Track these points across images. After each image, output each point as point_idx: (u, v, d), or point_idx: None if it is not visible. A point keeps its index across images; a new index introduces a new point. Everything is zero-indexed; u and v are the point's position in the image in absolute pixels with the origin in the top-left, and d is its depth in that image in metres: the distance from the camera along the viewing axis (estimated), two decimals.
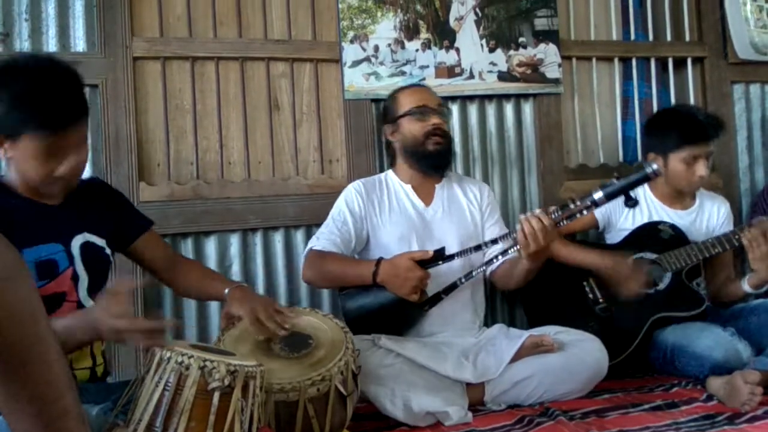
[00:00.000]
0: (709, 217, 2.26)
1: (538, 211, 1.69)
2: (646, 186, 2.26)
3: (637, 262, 2.03)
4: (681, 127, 2.14)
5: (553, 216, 1.68)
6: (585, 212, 1.67)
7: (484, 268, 1.88)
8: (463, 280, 1.86)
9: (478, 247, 1.87)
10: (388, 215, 2.01)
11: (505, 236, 1.81)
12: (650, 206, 2.24)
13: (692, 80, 2.80)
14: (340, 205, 2.02)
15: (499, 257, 1.85)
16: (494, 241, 1.85)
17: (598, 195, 1.63)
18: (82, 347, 1.39)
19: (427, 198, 2.06)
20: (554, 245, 2.04)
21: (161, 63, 2.21)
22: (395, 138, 2.06)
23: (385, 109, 2.14)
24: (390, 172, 2.13)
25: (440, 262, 1.81)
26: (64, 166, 1.33)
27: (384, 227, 2.00)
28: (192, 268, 1.74)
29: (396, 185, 2.08)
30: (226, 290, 1.58)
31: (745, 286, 2.05)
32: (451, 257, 1.83)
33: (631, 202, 1.66)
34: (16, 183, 1.39)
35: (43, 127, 1.27)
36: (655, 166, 1.58)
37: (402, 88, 2.13)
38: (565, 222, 1.69)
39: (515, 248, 1.75)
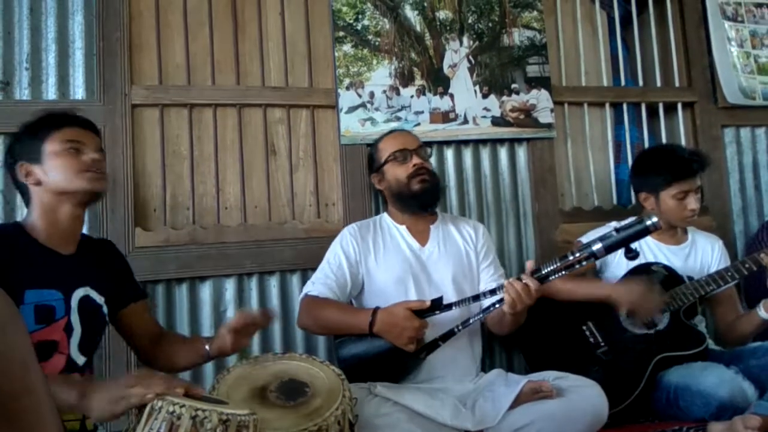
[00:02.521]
0: (703, 253, 2.28)
1: (524, 275, 1.69)
2: None
3: (647, 280, 2.02)
4: (668, 166, 2.21)
5: (551, 267, 1.68)
6: (584, 263, 1.66)
7: (481, 315, 1.84)
8: (460, 327, 1.83)
9: (476, 297, 1.84)
10: (383, 257, 2.00)
11: (503, 287, 1.76)
12: (642, 243, 2.23)
13: (683, 125, 2.85)
14: (335, 249, 2.01)
15: (496, 305, 1.80)
16: (493, 292, 1.80)
17: (597, 247, 1.62)
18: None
19: (422, 238, 2.05)
20: (555, 285, 2.06)
21: (159, 110, 2.24)
22: (382, 186, 2.11)
23: (370, 160, 2.19)
24: (385, 215, 2.14)
25: (437, 312, 1.78)
26: (88, 156, 1.48)
27: (380, 269, 1.98)
28: (174, 338, 1.71)
29: (391, 226, 2.08)
30: (207, 347, 1.57)
31: (762, 312, 2.03)
32: (449, 307, 1.80)
33: (632, 254, 1.67)
34: (34, 227, 1.46)
35: (60, 124, 1.48)
36: (654, 219, 1.58)
37: (382, 137, 2.17)
38: (563, 272, 1.68)
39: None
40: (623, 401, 1.94)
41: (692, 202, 2.17)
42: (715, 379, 1.83)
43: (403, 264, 1.98)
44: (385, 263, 1.99)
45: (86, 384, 1.22)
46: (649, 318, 2.01)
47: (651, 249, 2.24)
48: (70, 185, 1.46)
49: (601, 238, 1.63)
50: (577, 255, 1.65)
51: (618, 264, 2.24)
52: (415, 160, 2.02)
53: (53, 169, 1.45)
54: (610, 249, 1.63)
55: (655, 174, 2.23)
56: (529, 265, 1.72)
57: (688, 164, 2.19)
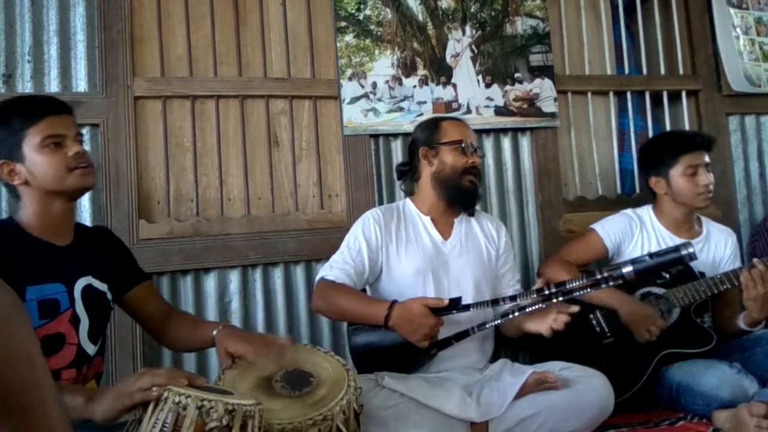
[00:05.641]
0: (716, 247, 2.24)
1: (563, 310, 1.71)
2: (652, 213, 2.27)
3: (651, 308, 2.00)
4: (673, 142, 2.25)
5: (578, 282, 1.68)
6: (611, 283, 1.65)
7: (499, 321, 1.83)
8: (475, 329, 1.82)
9: (495, 302, 1.83)
10: (405, 247, 1.96)
11: (524, 294, 1.78)
12: (657, 235, 2.22)
13: (687, 113, 2.84)
14: (356, 233, 1.96)
15: (516, 313, 1.79)
16: (513, 298, 1.81)
17: (627, 270, 1.62)
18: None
19: (445, 231, 2.02)
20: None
21: (162, 102, 2.23)
22: (429, 162, 2.01)
23: (419, 134, 2.07)
24: (408, 201, 2.08)
25: (455, 311, 1.76)
26: (71, 149, 1.42)
27: (400, 259, 1.95)
28: (184, 319, 1.71)
29: (414, 216, 2.04)
30: (214, 332, 1.56)
31: (741, 323, 2.02)
32: (467, 308, 1.78)
33: (662, 281, 1.64)
34: (28, 222, 1.43)
35: (35, 117, 1.39)
36: (690, 250, 1.56)
37: (446, 118, 2.12)
38: (589, 290, 1.68)
39: (532, 308, 1.74)
40: (624, 393, 1.93)
41: (703, 177, 2.14)
42: (717, 381, 1.82)
43: (424, 256, 1.95)
44: (407, 254, 1.95)
45: (91, 390, 1.23)
46: (643, 339, 1.97)
47: (665, 240, 2.20)
48: (60, 185, 1.41)
49: (633, 261, 1.62)
50: (605, 275, 1.64)
51: (630, 254, 2.20)
52: (475, 158, 1.99)
53: (38, 168, 1.39)
54: (640, 273, 1.63)
55: (660, 153, 2.23)
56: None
57: (691, 138, 2.23)
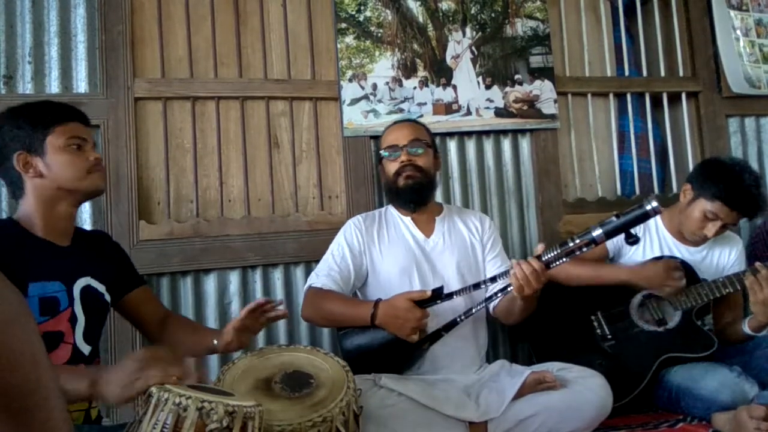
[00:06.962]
0: (720, 255, 2.21)
1: (531, 258, 1.68)
2: (660, 218, 2.20)
3: (667, 263, 2.01)
4: (730, 186, 2.01)
5: (553, 253, 1.66)
6: (585, 249, 1.63)
7: (483, 305, 1.85)
8: (462, 317, 1.83)
9: (477, 285, 1.83)
10: (388, 248, 2.00)
11: (504, 274, 1.75)
12: (661, 240, 2.21)
13: (687, 115, 2.84)
14: (339, 241, 2.01)
15: (499, 294, 1.82)
16: (493, 279, 1.80)
17: (597, 233, 1.59)
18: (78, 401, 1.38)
19: (427, 230, 2.05)
20: (573, 270, 2.07)
21: (162, 103, 2.24)
22: (383, 178, 2.11)
23: (377, 153, 2.18)
24: (390, 207, 2.13)
25: (439, 301, 1.77)
26: (91, 154, 1.49)
27: (384, 260, 1.98)
28: (182, 323, 1.72)
29: (396, 218, 2.08)
30: (215, 341, 1.57)
31: (746, 328, 2.00)
32: (450, 296, 1.79)
33: (632, 240, 1.60)
34: (29, 222, 1.45)
35: (64, 118, 1.46)
36: (654, 204, 1.52)
37: (385, 129, 2.15)
38: (565, 259, 1.65)
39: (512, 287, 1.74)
40: (625, 397, 1.93)
41: (711, 229, 2.03)
42: (716, 384, 1.82)
43: (407, 254, 1.98)
44: (390, 254, 1.99)
45: (96, 371, 1.23)
46: (673, 297, 2.00)
47: (669, 247, 2.19)
48: (77, 184, 1.46)
49: (601, 224, 1.60)
50: (578, 241, 1.62)
51: (632, 257, 2.20)
52: (402, 156, 1.99)
53: (58, 165, 1.43)
54: (610, 234, 1.60)
55: (714, 181, 2.04)
56: (539, 248, 1.70)
57: (746, 202, 2.01)
